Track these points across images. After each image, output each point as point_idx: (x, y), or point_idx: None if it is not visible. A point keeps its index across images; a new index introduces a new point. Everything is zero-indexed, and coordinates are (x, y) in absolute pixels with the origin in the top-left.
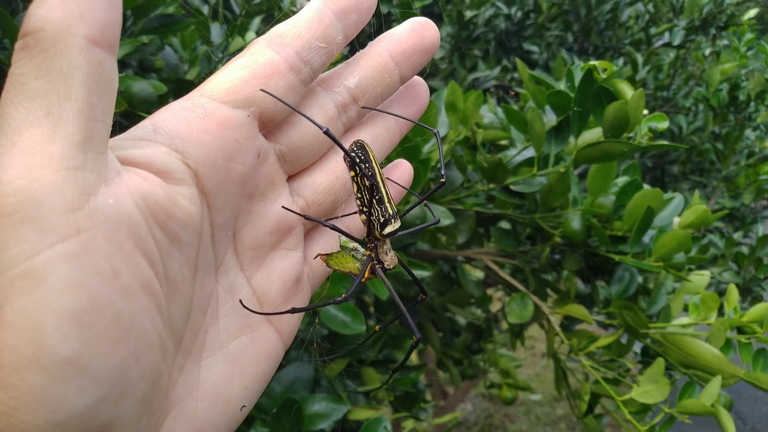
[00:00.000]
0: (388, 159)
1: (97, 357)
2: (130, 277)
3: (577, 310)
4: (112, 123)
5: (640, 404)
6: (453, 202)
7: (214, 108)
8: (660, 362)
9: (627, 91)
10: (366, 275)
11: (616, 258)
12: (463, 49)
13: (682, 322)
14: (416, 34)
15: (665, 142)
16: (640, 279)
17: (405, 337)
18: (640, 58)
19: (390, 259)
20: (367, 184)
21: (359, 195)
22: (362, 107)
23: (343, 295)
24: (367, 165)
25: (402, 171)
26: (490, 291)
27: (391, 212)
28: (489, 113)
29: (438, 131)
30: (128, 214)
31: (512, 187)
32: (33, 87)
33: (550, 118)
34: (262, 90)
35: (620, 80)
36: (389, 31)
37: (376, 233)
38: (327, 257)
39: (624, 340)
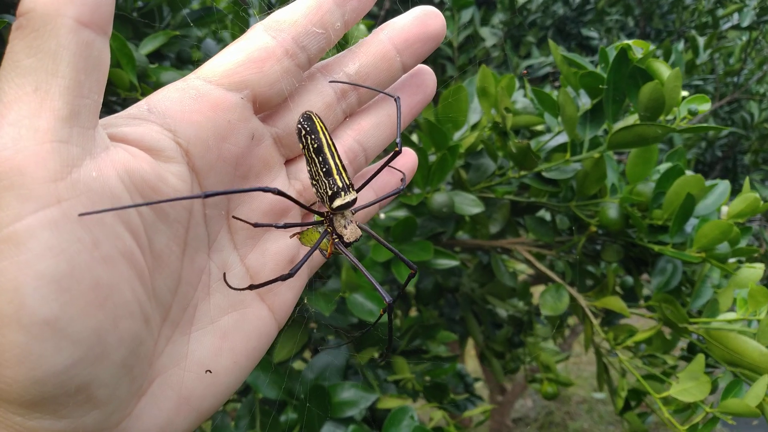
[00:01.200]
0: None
1: (75, 320)
2: (110, 247)
3: (614, 302)
4: (101, 101)
5: (683, 403)
6: (485, 190)
7: (208, 90)
8: (700, 359)
9: (664, 71)
10: (329, 251)
11: (656, 248)
12: (507, 35)
13: (729, 318)
14: (420, 22)
15: (705, 125)
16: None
17: (439, 328)
18: (701, 41)
19: (349, 232)
20: (313, 155)
21: (308, 168)
22: (330, 81)
23: (289, 271)
24: (313, 137)
25: (405, 159)
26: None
27: (340, 185)
28: (524, 98)
29: (398, 97)
30: (111, 187)
31: (544, 174)
32: (24, 64)
33: (585, 102)
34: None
35: (656, 60)
36: (393, 19)
37: (327, 206)
38: (300, 235)
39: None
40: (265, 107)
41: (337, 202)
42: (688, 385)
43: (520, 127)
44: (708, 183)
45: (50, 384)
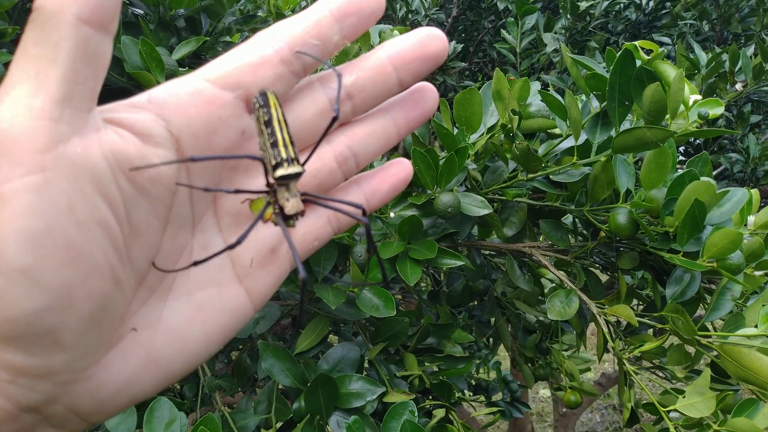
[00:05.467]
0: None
1: (46, 272)
2: (85, 213)
3: (623, 311)
4: (98, 89)
5: (693, 418)
6: (498, 193)
7: (204, 87)
8: (706, 373)
9: (670, 73)
10: (267, 219)
11: (666, 256)
12: (570, 40)
13: (748, 333)
14: (420, 43)
15: (710, 129)
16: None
17: (452, 327)
18: None
19: (291, 205)
20: (263, 128)
21: (258, 139)
22: (297, 52)
23: (236, 239)
24: (265, 110)
25: (397, 169)
26: None
27: (284, 156)
28: (540, 102)
29: (341, 74)
30: (93, 163)
31: (552, 177)
32: (30, 52)
33: (596, 105)
34: None
35: (663, 61)
36: (396, 38)
37: (271, 176)
38: (251, 203)
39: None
40: None
41: (279, 172)
42: (695, 400)
43: (534, 130)
44: (721, 190)
45: (22, 324)
